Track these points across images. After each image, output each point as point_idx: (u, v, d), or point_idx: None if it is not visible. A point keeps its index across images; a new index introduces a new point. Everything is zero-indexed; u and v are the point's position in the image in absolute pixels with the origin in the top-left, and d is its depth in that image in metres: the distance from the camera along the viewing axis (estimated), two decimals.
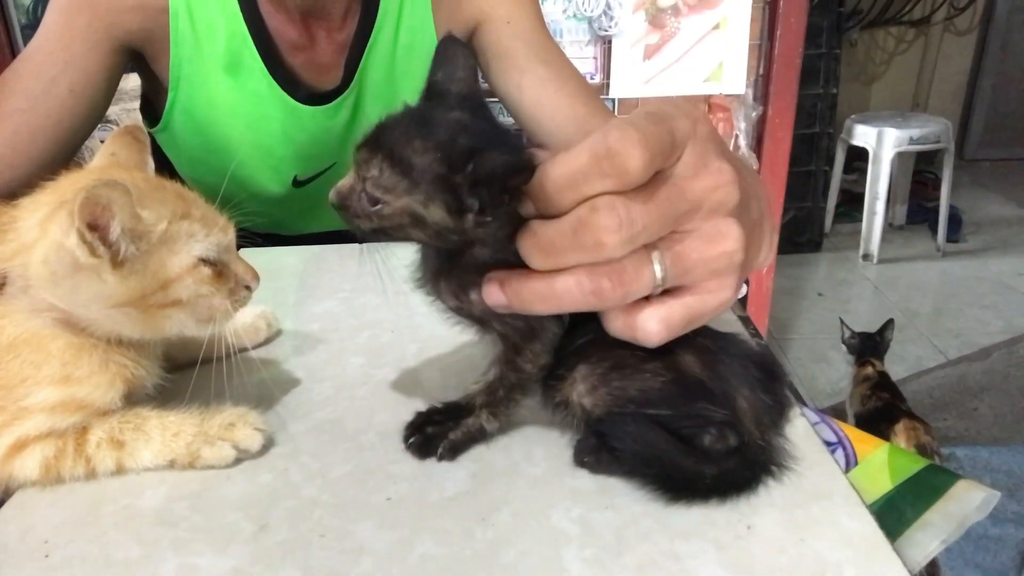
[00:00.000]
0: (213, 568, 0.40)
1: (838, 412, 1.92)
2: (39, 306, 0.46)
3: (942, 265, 3.10)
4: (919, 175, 3.45)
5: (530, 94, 0.87)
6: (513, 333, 0.45)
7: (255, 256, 0.55)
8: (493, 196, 0.38)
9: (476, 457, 0.48)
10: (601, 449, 0.45)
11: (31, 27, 2.04)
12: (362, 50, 0.87)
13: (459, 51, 0.44)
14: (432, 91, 0.44)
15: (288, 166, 0.92)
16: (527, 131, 0.90)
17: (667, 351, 0.43)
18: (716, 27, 1.98)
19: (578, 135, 0.38)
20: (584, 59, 1.98)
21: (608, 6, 1.91)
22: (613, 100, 2.01)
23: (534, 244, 0.39)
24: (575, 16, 1.94)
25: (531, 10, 0.90)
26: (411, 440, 0.48)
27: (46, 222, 0.45)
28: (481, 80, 0.87)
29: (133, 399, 0.50)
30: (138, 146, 0.54)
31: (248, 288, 0.51)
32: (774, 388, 0.46)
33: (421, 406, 0.50)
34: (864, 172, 3.06)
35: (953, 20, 3.85)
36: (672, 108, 0.41)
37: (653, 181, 0.39)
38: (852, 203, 3.36)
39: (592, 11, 1.92)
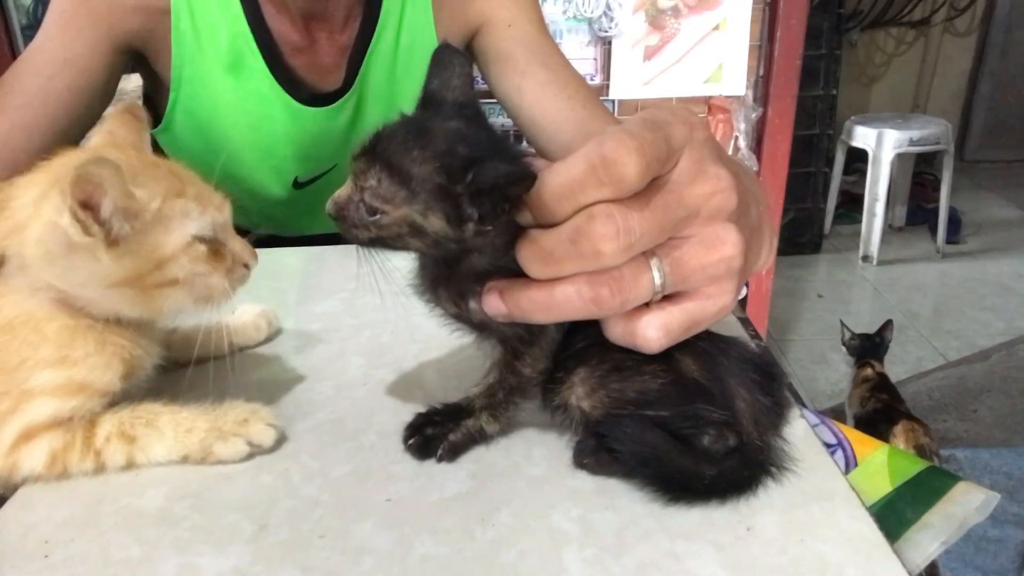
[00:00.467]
0: (213, 568, 0.40)
1: (838, 414, 1.92)
2: (37, 285, 0.46)
3: (942, 266, 3.10)
4: (919, 176, 3.45)
5: (530, 97, 0.87)
6: (513, 338, 0.45)
7: None
8: (493, 205, 0.38)
9: (476, 458, 0.48)
10: (601, 450, 0.45)
11: (31, 28, 2.04)
12: (364, 52, 0.87)
13: (455, 58, 0.44)
14: (428, 99, 0.44)
15: (289, 167, 0.92)
16: (527, 134, 0.90)
17: (666, 353, 0.43)
18: (716, 28, 1.98)
19: (578, 138, 0.39)
20: (584, 60, 1.98)
21: (608, 7, 1.92)
22: (613, 101, 2.02)
23: (532, 254, 0.40)
24: (575, 17, 1.94)
25: (532, 13, 0.90)
26: (411, 441, 0.48)
27: (40, 201, 0.44)
28: (480, 82, 0.87)
29: (132, 380, 0.49)
30: (137, 124, 0.53)
31: (246, 266, 0.51)
32: (773, 389, 0.47)
33: (421, 406, 0.50)
34: (864, 173, 3.07)
35: (953, 21, 3.85)
36: (668, 114, 0.41)
37: (650, 188, 0.39)
38: (852, 204, 3.36)
39: (592, 12, 1.92)
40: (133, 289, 0.46)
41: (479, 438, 0.49)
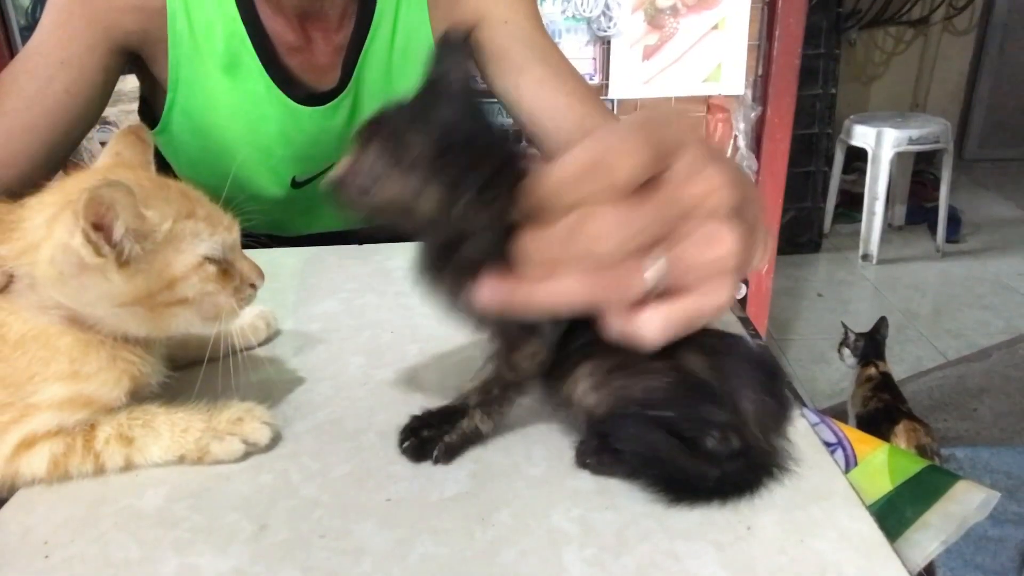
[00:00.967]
0: (213, 568, 0.40)
1: (838, 413, 1.92)
2: (46, 303, 0.46)
3: (941, 265, 3.10)
4: (918, 175, 3.45)
5: (528, 94, 0.87)
6: (511, 329, 0.45)
7: (255, 257, 0.55)
8: (486, 190, 0.39)
9: (476, 457, 0.48)
10: (603, 450, 0.45)
11: (30, 28, 2.04)
12: (359, 51, 0.87)
13: (457, 47, 0.44)
14: (429, 85, 0.44)
15: (286, 167, 0.92)
16: (526, 131, 0.90)
17: (672, 351, 0.43)
18: (715, 27, 1.98)
19: (576, 134, 0.39)
20: (583, 60, 1.98)
21: (607, 7, 1.91)
22: (612, 101, 2.02)
23: (527, 250, 0.40)
24: (574, 17, 1.94)
25: (528, 10, 0.90)
26: (406, 444, 0.48)
27: (52, 222, 0.45)
28: (479, 81, 0.87)
29: (138, 396, 0.50)
30: (142, 146, 0.54)
31: (253, 286, 0.52)
32: (775, 389, 0.46)
33: (421, 406, 0.50)
34: (863, 172, 3.07)
35: (952, 20, 3.85)
36: (664, 114, 0.41)
37: (646, 187, 0.39)
38: (851, 203, 3.36)
39: (591, 12, 1.92)
40: (143, 308, 0.46)
41: (474, 438, 0.48)
